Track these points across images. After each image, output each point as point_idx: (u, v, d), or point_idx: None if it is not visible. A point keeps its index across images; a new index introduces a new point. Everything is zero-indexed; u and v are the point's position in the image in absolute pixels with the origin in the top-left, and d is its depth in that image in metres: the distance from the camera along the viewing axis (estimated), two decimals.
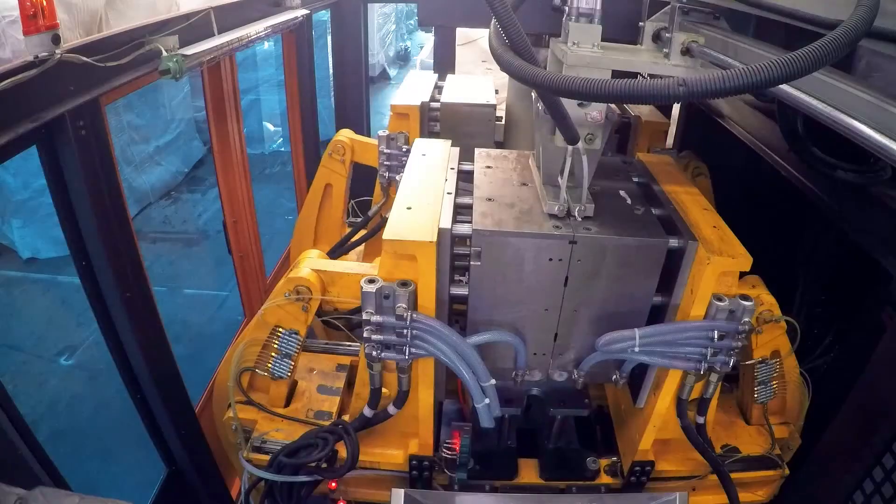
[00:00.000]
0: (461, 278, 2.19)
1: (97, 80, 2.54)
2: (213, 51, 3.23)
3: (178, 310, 6.90)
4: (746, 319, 2.04)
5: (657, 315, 2.26)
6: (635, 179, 2.58)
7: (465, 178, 2.47)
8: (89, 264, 2.75)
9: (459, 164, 2.56)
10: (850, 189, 2.76)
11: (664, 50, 2.06)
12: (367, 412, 2.37)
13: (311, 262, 2.47)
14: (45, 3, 2.08)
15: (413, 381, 2.27)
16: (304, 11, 4.75)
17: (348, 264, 2.43)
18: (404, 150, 3.35)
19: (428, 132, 2.69)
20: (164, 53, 2.81)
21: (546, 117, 2.07)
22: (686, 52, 2.02)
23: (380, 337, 2.07)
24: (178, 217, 9.48)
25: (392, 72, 16.83)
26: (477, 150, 2.69)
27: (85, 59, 2.34)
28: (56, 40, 2.18)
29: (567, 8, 2.01)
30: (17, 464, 2.24)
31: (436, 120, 2.92)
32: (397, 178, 3.34)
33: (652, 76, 2.41)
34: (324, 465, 2.40)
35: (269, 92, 11.44)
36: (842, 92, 1.44)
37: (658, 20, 2.16)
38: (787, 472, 2.76)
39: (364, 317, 2.04)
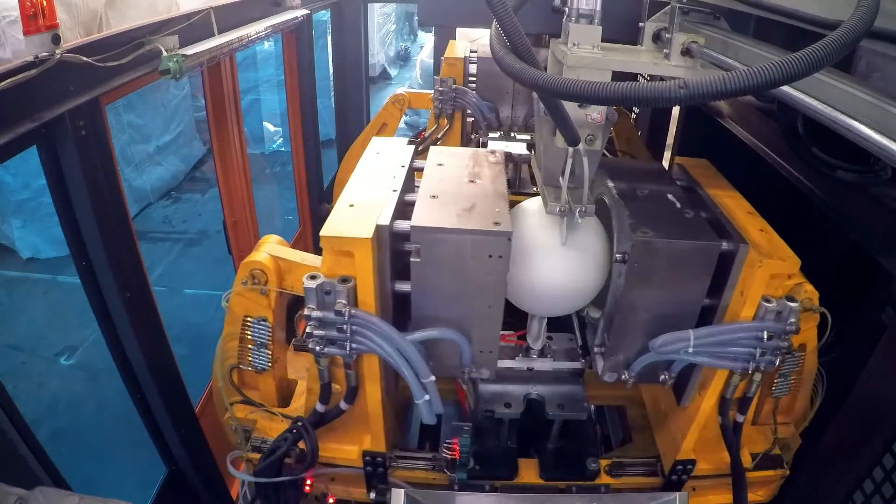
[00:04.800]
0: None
1: (97, 80, 2.54)
2: (213, 51, 3.23)
3: (178, 310, 6.89)
4: (793, 320, 2.07)
5: (705, 317, 2.27)
6: (679, 183, 2.58)
7: (413, 176, 2.47)
8: (89, 264, 2.75)
9: (412, 161, 2.54)
10: (850, 189, 2.76)
11: (664, 51, 2.06)
12: (319, 407, 2.38)
13: (268, 248, 2.44)
14: (45, 3, 2.08)
15: (360, 377, 2.28)
16: (304, 11, 4.75)
17: (305, 255, 2.40)
18: (453, 87, 4.04)
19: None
20: (164, 53, 2.81)
21: (547, 118, 2.07)
22: (686, 52, 2.01)
23: (322, 332, 2.08)
24: (178, 217, 9.48)
25: (392, 72, 16.84)
26: (432, 148, 2.70)
27: (85, 59, 2.34)
28: (56, 40, 2.18)
29: (567, 9, 2.01)
30: (17, 464, 2.24)
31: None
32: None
33: (652, 77, 2.42)
34: (292, 464, 2.42)
35: (269, 92, 11.44)
36: (842, 92, 1.44)
37: (658, 20, 2.15)
38: (787, 472, 2.77)
39: (306, 312, 2.06)
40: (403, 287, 2.17)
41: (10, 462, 2.23)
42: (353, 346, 2.11)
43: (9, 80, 1.99)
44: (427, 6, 4.37)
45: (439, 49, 4.99)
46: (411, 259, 2.07)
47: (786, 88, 1.54)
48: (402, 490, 2.53)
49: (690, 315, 2.23)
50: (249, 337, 2.54)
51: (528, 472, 2.64)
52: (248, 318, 2.50)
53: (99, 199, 2.64)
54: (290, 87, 5.86)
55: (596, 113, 2.02)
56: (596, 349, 2.42)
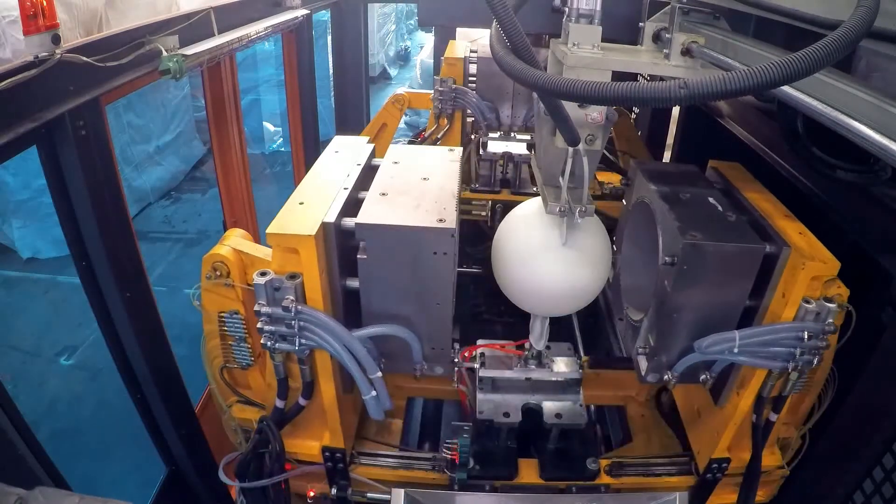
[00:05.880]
0: None
1: (97, 80, 2.54)
2: (213, 51, 3.23)
3: (178, 310, 6.88)
4: (831, 321, 2.12)
5: (746, 318, 2.30)
6: (717, 187, 2.61)
7: (370, 174, 2.46)
8: (89, 264, 2.75)
9: (370, 160, 2.54)
10: (850, 189, 2.76)
11: (664, 51, 2.06)
12: (279, 403, 2.39)
13: (231, 241, 2.44)
14: (45, 3, 2.08)
15: (314, 372, 2.30)
16: (304, 11, 4.75)
17: (269, 250, 2.34)
18: (453, 87, 4.10)
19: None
20: (164, 53, 2.81)
21: (547, 118, 2.07)
22: (686, 52, 2.01)
23: (272, 328, 2.10)
24: (178, 217, 9.48)
25: (392, 72, 16.83)
26: (391, 146, 2.71)
27: (85, 59, 2.34)
28: (56, 40, 2.18)
29: (567, 9, 2.01)
30: (17, 464, 2.24)
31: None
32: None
33: (652, 77, 2.42)
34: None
35: (269, 92, 11.44)
36: (842, 92, 1.44)
37: (658, 20, 2.15)
38: (787, 472, 2.77)
39: (255, 308, 2.08)
40: (353, 284, 2.19)
41: (10, 462, 2.23)
42: (303, 341, 2.13)
43: (9, 80, 2.00)
44: (427, 6, 4.38)
45: (439, 49, 4.99)
46: (358, 256, 2.08)
47: (786, 88, 1.54)
48: (402, 490, 2.52)
49: (733, 316, 2.26)
50: (228, 333, 2.52)
51: (528, 472, 2.64)
52: (222, 314, 2.47)
53: (99, 199, 2.64)
54: (290, 87, 5.86)
55: (596, 113, 2.02)
56: (640, 350, 2.43)
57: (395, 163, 2.49)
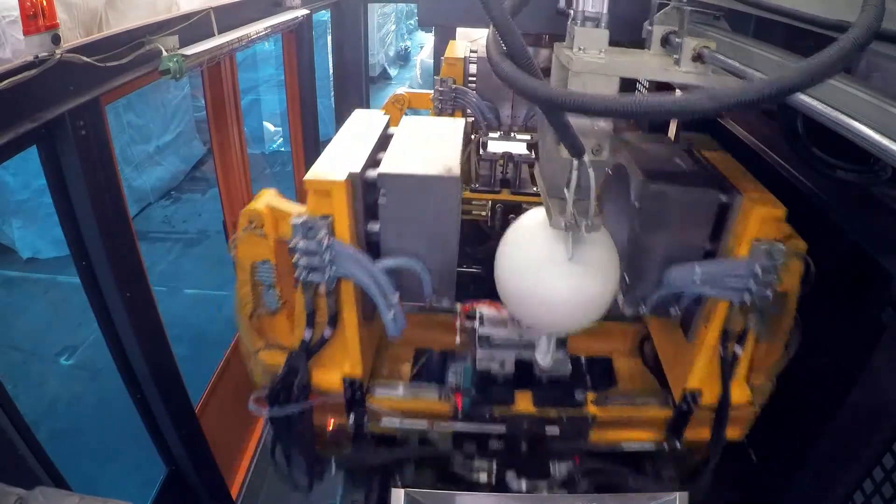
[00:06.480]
0: None
1: (97, 80, 2.54)
2: (213, 51, 3.24)
3: (178, 310, 6.90)
4: (780, 258, 2.36)
5: (708, 259, 2.59)
6: (683, 149, 2.92)
7: (387, 140, 2.78)
8: (89, 264, 2.75)
9: (386, 128, 2.87)
10: (850, 189, 2.76)
11: (674, 56, 1.94)
12: (306, 335, 2.65)
13: (265, 199, 2.70)
14: (45, 3, 2.08)
15: (339, 303, 2.59)
16: (304, 11, 4.75)
17: (297, 206, 2.62)
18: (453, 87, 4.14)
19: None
20: (164, 53, 2.82)
21: (549, 127, 2.01)
22: (697, 58, 1.94)
23: (306, 261, 2.40)
24: (178, 217, 9.49)
25: (392, 72, 16.84)
26: (403, 118, 3.04)
27: (85, 59, 2.34)
28: (56, 40, 2.18)
29: (572, 11, 1.96)
30: (17, 464, 2.25)
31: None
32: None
33: (659, 87, 2.37)
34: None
35: (269, 92, 11.45)
36: (842, 92, 1.43)
37: (660, 21, 2.13)
38: (758, 410, 2.80)
39: (291, 244, 2.39)
40: (374, 227, 2.51)
41: (10, 462, 2.23)
42: (332, 272, 2.43)
43: (9, 80, 2.00)
44: (427, 6, 4.38)
45: (439, 49, 4.99)
46: (379, 201, 2.41)
47: None
48: (402, 490, 2.55)
49: (696, 258, 2.53)
50: (258, 280, 2.78)
51: (524, 401, 2.90)
52: (255, 263, 2.74)
53: (99, 199, 2.65)
54: (290, 87, 5.86)
55: (603, 121, 1.96)
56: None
57: (409, 129, 2.85)
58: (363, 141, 2.66)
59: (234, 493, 4.43)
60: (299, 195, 6.12)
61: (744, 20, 2.32)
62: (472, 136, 4.50)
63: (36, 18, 2.07)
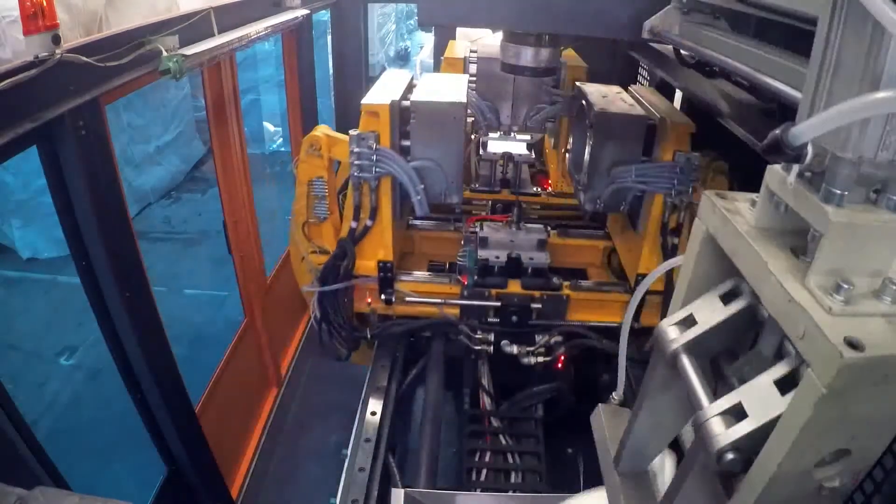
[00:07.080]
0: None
1: (97, 80, 2.54)
2: (213, 51, 3.24)
3: (178, 310, 6.90)
4: (696, 163, 3.19)
5: None
6: (629, 94, 3.72)
7: (411, 88, 3.59)
8: (89, 264, 2.75)
9: (411, 81, 3.66)
10: None
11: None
12: (353, 224, 3.40)
13: (321, 129, 3.48)
14: (45, 3, 2.08)
15: (379, 198, 3.32)
16: (304, 11, 4.75)
17: (345, 137, 3.33)
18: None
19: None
20: (164, 53, 2.82)
21: None
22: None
23: (359, 163, 3.18)
24: (178, 217, 9.48)
25: None
26: (423, 74, 3.85)
27: (85, 59, 2.34)
28: (56, 40, 2.18)
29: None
30: (17, 464, 2.25)
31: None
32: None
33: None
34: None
35: (269, 92, 11.45)
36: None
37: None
38: None
39: (349, 149, 3.18)
40: (405, 143, 3.29)
41: (10, 462, 2.23)
42: (378, 170, 3.19)
43: (9, 80, 2.00)
44: (427, 6, 4.38)
45: (439, 49, 4.99)
46: (411, 121, 3.21)
47: (785, 88, 1.54)
48: (402, 490, 2.61)
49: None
50: (313, 194, 3.51)
51: (514, 285, 3.63)
52: (312, 180, 3.47)
53: (99, 199, 2.65)
54: (290, 87, 5.86)
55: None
56: (579, 188, 3.56)
57: (428, 79, 3.71)
58: (398, 85, 3.47)
59: (234, 493, 4.43)
60: None
61: (744, 20, 2.32)
62: (472, 136, 4.50)
63: (36, 18, 2.07)
